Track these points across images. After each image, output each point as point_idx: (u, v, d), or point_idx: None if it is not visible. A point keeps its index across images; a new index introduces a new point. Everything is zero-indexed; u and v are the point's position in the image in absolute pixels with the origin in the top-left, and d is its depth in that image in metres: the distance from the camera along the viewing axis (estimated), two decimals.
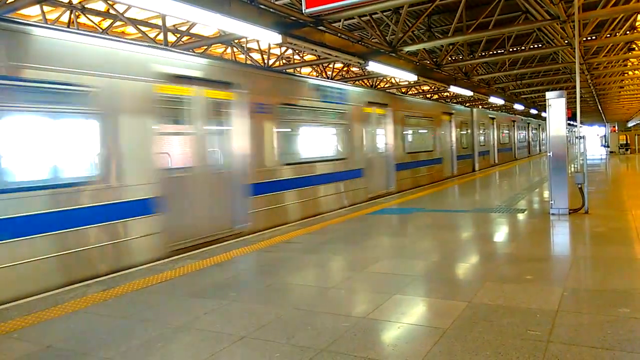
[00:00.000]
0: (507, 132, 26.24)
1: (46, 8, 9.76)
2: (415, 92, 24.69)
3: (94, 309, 4.37)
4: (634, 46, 17.13)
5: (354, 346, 3.33)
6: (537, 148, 36.95)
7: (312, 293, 4.67)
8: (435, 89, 23.70)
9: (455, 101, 26.02)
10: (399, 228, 8.19)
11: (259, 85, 8.72)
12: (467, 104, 27.06)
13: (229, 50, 14.40)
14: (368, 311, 4.02)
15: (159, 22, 10.76)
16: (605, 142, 38.81)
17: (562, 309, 3.82)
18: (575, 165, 16.78)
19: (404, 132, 14.34)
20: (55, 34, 5.57)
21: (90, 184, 5.70)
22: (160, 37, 10.90)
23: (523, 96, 28.14)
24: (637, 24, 14.21)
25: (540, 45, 15.53)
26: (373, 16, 10.94)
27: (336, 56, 10.26)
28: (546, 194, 10.57)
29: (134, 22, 10.34)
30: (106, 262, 5.75)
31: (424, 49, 13.53)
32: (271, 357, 3.24)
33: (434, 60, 14.48)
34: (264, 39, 8.24)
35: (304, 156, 9.99)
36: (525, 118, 33.09)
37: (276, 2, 8.44)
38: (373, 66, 10.94)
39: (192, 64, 7.37)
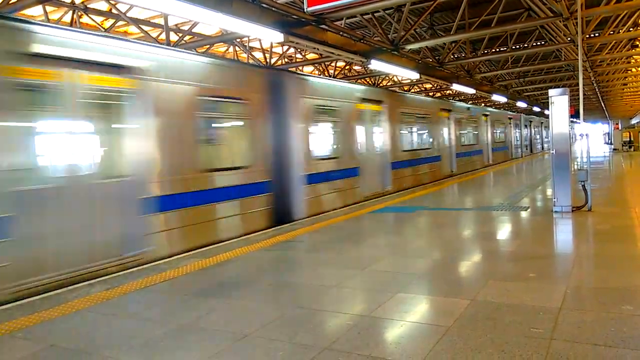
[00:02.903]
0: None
1: (49, 8, 9.79)
2: (418, 90, 24.67)
3: (97, 308, 4.38)
4: (638, 43, 17.05)
5: (357, 344, 3.34)
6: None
7: (315, 291, 4.67)
8: (438, 87, 23.67)
9: (458, 99, 25.97)
10: (402, 226, 8.18)
11: None
12: (470, 102, 26.99)
13: (231, 49, 14.42)
14: (371, 309, 4.02)
15: (161, 21, 10.78)
16: (609, 139, 38.63)
17: (565, 307, 3.81)
18: (579, 163, 16.72)
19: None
20: None
21: None
22: (163, 36, 10.93)
23: (526, 94, 28.09)
24: None
25: (543, 43, 15.49)
26: (375, 14, 10.93)
27: (338, 54, 10.25)
28: (549, 191, 10.54)
29: (137, 22, 10.36)
30: None
31: (427, 46, 13.52)
32: (274, 355, 3.24)
33: (437, 58, 14.47)
34: (266, 37, 8.25)
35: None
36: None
37: (278, 1, 8.44)
38: (375, 64, 10.93)
39: None
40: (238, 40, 12.70)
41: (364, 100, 11.84)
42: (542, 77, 22.80)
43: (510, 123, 26.42)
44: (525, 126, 30.86)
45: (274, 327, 3.75)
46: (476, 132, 20.48)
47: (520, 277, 4.77)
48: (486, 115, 21.84)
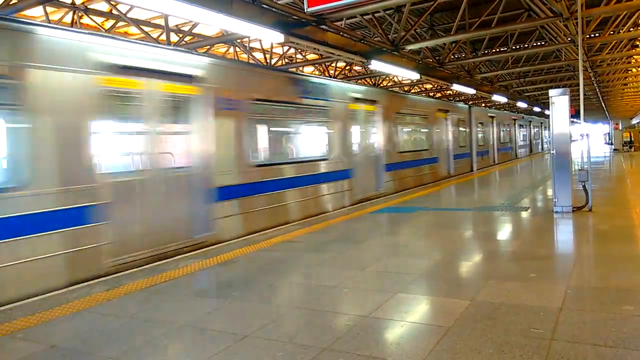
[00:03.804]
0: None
1: (49, 9, 9.80)
2: (418, 90, 24.66)
3: (97, 308, 4.38)
4: (638, 43, 17.04)
5: (356, 345, 3.33)
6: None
7: (315, 292, 4.67)
8: (438, 87, 23.65)
9: (458, 99, 25.94)
10: (402, 227, 8.18)
11: None
12: (470, 102, 26.89)
13: (231, 49, 14.42)
14: (371, 310, 4.01)
15: (161, 22, 10.79)
16: (609, 139, 38.53)
17: (565, 307, 3.81)
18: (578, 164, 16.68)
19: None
20: None
21: None
22: (163, 37, 10.94)
23: (526, 94, 28.06)
24: None
25: (543, 43, 15.48)
26: (375, 15, 10.93)
27: (338, 55, 10.26)
28: (549, 192, 10.54)
29: (137, 23, 10.36)
30: None
31: (427, 47, 13.52)
32: (274, 356, 3.24)
33: (437, 58, 14.46)
34: (267, 38, 8.24)
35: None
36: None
37: (278, 2, 8.44)
38: (376, 65, 10.93)
39: None
40: (238, 40, 12.71)
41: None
42: (542, 78, 22.78)
43: (446, 119, 16.95)
44: (481, 124, 20.76)
45: (274, 328, 3.75)
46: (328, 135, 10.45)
47: (521, 277, 4.77)
48: (373, 102, 12.06)
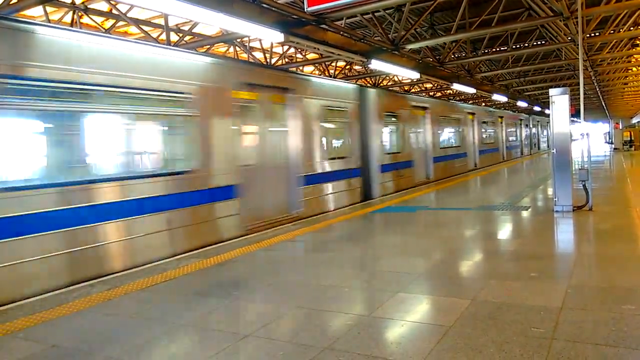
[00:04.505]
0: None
1: (49, 9, 9.79)
2: (418, 89, 24.66)
3: (98, 308, 4.38)
4: (638, 42, 17.03)
5: (357, 344, 3.33)
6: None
7: (315, 291, 4.67)
8: (438, 87, 23.65)
9: (458, 99, 25.93)
10: (402, 226, 8.18)
11: None
12: (470, 102, 26.85)
13: (231, 49, 14.41)
14: (371, 309, 4.02)
15: (161, 21, 10.78)
16: (609, 138, 38.48)
17: (566, 306, 3.81)
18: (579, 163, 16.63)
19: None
20: None
21: None
22: (163, 36, 10.93)
23: (527, 93, 28.05)
24: None
25: (543, 42, 15.48)
26: (375, 14, 10.92)
27: (339, 54, 10.25)
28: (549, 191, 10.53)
29: (137, 22, 10.36)
30: None
31: (427, 46, 13.51)
32: (275, 355, 3.24)
33: (437, 57, 14.46)
34: (267, 37, 8.22)
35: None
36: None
37: (278, 1, 8.44)
38: (376, 64, 10.92)
39: None
40: (238, 40, 12.71)
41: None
42: (542, 77, 22.77)
43: (283, 106, 9.01)
44: (395, 118, 13.26)
45: (275, 327, 3.75)
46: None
47: (521, 276, 4.77)
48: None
